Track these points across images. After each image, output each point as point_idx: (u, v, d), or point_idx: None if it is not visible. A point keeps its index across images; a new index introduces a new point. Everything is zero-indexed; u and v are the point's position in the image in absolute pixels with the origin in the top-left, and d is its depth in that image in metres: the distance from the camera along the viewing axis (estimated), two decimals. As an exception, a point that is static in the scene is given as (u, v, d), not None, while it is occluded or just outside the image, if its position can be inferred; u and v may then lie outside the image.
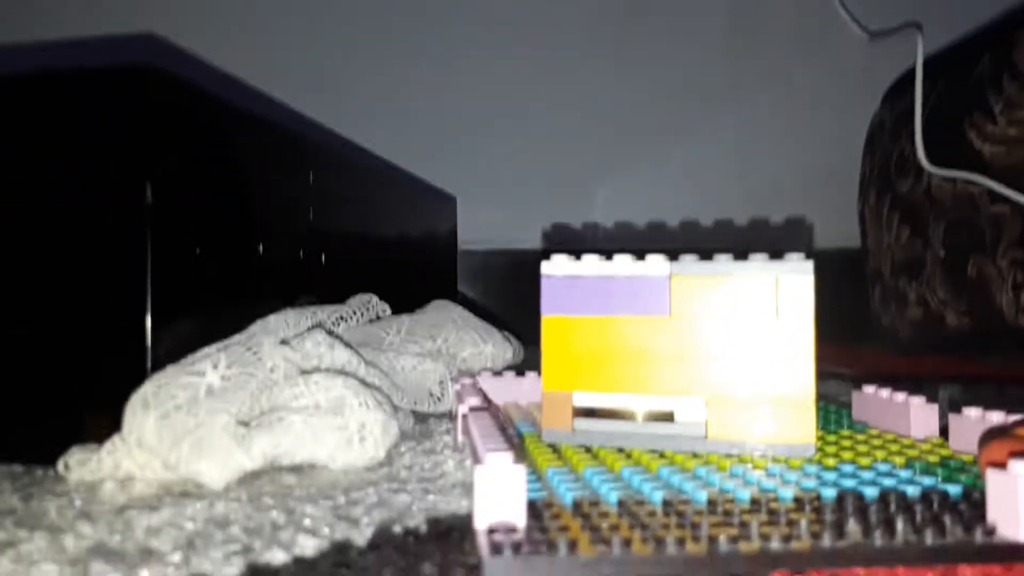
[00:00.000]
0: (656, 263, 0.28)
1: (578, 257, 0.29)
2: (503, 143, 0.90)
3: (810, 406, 0.27)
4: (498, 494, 0.19)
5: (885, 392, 0.33)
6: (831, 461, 0.26)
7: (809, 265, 0.27)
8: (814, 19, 0.95)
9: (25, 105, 0.33)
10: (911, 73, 0.74)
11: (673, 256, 0.28)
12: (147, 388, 0.28)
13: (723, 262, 0.28)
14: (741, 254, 0.28)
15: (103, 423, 0.29)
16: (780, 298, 0.27)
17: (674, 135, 0.94)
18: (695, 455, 0.27)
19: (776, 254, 0.28)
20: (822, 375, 0.52)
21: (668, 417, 0.28)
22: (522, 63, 0.91)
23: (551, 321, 0.29)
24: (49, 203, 0.32)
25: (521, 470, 0.20)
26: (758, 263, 0.27)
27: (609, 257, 0.29)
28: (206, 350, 0.31)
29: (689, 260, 0.28)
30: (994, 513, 0.20)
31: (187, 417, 0.28)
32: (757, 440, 0.27)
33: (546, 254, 0.29)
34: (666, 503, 0.22)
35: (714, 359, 0.28)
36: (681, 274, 0.28)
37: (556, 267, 0.29)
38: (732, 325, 0.28)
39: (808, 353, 0.27)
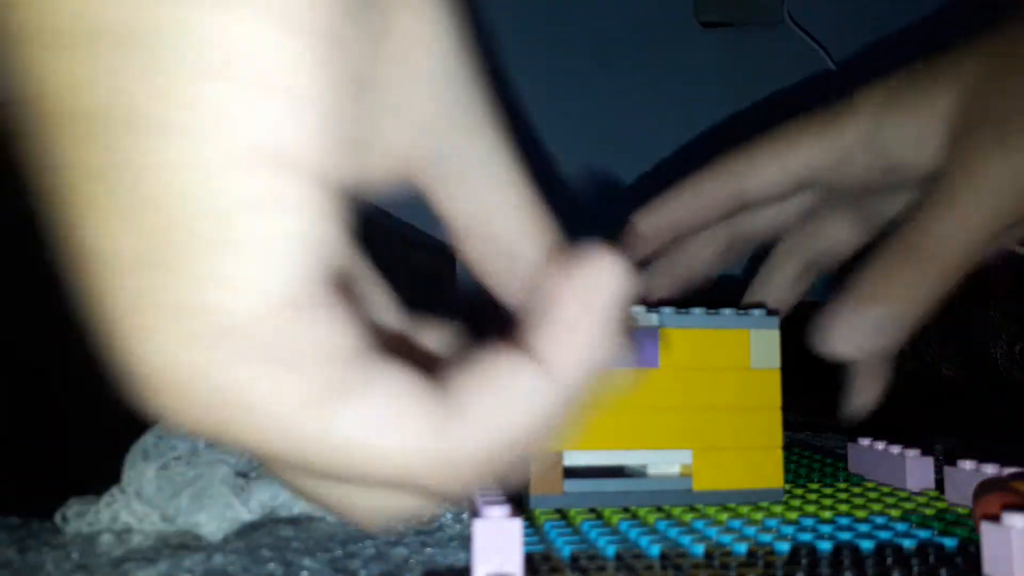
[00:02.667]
0: (642, 315, 0.28)
1: None
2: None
3: (779, 452, 0.28)
4: (496, 548, 0.20)
5: (880, 444, 0.33)
6: (827, 513, 0.27)
7: (775, 319, 0.29)
8: (807, 77, 0.97)
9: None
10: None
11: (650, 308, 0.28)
12: (147, 439, 0.29)
13: (698, 315, 0.28)
14: (712, 306, 0.29)
15: (102, 474, 0.29)
16: (752, 349, 0.28)
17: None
18: (691, 508, 0.27)
19: (743, 307, 0.29)
20: (818, 427, 0.52)
21: (655, 470, 0.28)
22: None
23: None
24: (54, 253, 0.32)
25: (518, 524, 0.20)
26: (730, 316, 0.28)
27: None
28: (206, 401, 0.31)
29: (667, 312, 0.28)
30: (989, 566, 0.20)
31: (186, 468, 0.28)
32: (733, 488, 0.28)
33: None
34: (663, 556, 0.22)
35: (697, 410, 0.28)
36: (667, 327, 0.28)
37: None
38: (710, 376, 0.28)
39: (776, 401, 0.29)
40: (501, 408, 0.14)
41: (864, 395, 0.32)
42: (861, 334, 0.27)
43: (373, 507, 0.15)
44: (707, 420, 0.28)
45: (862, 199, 0.32)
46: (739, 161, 0.32)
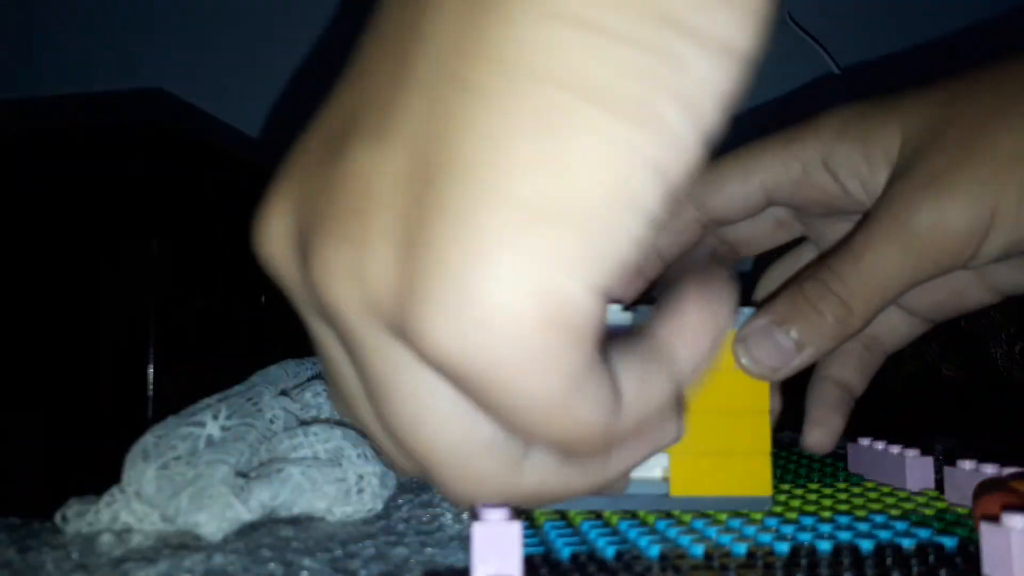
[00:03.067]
0: (615, 314, 0.27)
1: None
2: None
3: (767, 459, 0.27)
4: (495, 551, 0.20)
5: (880, 445, 0.33)
6: (827, 513, 0.27)
7: None
8: (808, 77, 0.97)
9: (34, 160, 0.33)
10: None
11: (628, 307, 0.27)
12: (147, 439, 0.29)
13: None
14: None
15: (102, 474, 0.29)
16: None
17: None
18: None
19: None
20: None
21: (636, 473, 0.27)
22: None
23: None
24: (54, 255, 0.32)
25: (517, 526, 0.20)
26: None
27: None
28: (207, 401, 0.31)
29: (643, 311, 0.27)
30: (989, 566, 0.20)
31: (186, 468, 0.28)
32: (715, 494, 0.27)
33: None
34: (663, 557, 0.22)
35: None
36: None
37: None
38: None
39: (765, 404, 0.27)
40: (646, 398, 0.18)
41: (822, 430, 0.32)
42: (769, 355, 0.26)
43: (480, 481, 0.18)
44: (689, 423, 0.27)
45: (828, 218, 0.32)
46: (702, 180, 0.32)
